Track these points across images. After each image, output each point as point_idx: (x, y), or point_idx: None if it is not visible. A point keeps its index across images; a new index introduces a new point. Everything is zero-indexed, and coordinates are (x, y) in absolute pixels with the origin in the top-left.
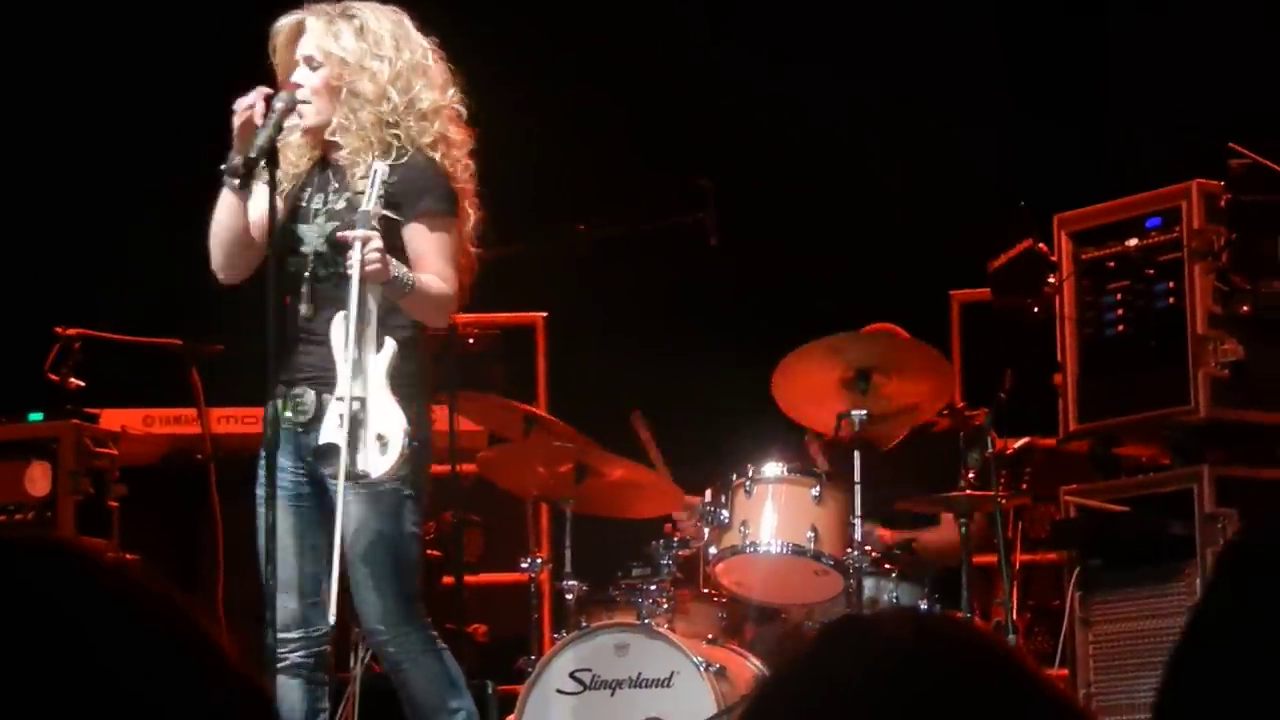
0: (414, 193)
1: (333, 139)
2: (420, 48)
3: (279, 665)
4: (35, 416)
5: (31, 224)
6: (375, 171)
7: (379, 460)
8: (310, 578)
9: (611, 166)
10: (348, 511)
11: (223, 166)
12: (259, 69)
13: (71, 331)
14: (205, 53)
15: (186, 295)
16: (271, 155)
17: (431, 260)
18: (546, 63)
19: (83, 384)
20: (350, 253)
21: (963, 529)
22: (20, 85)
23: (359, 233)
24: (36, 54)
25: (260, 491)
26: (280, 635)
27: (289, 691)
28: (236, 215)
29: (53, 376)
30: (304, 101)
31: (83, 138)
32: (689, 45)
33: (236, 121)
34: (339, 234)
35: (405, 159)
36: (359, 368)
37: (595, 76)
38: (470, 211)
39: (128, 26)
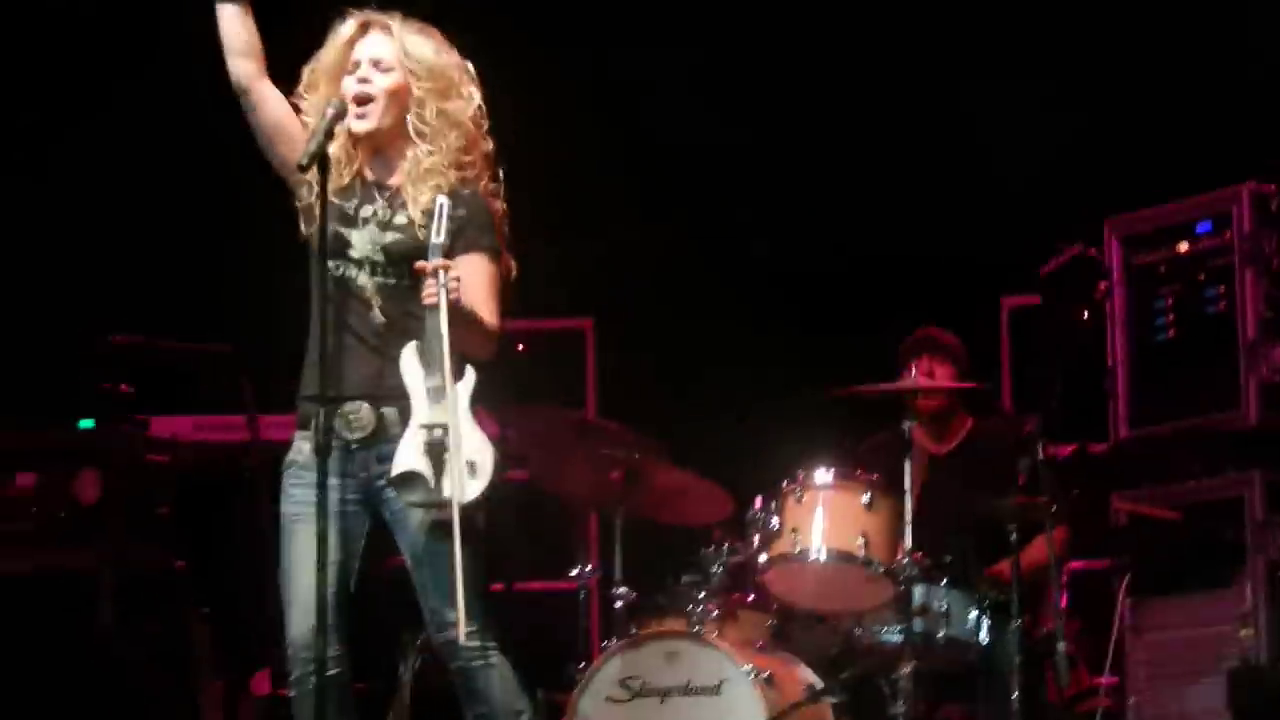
0: (471, 230)
1: (391, 149)
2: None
3: (325, 674)
4: (86, 423)
5: (83, 231)
6: (441, 204)
7: (471, 485)
8: (334, 594)
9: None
10: (422, 518)
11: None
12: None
13: (122, 339)
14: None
15: (237, 302)
16: (322, 161)
17: (481, 296)
18: (587, 69)
19: (133, 391)
20: (428, 281)
21: (1012, 536)
22: (62, 91)
23: (439, 262)
24: (86, 64)
25: (288, 508)
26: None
27: (328, 700)
28: (235, 20)
29: (103, 384)
30: (367, 99)
31: (132, 143)
32: (733, 50)
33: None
34: (417, 265)
35: (461, 193)
36: (440, 394)
37: (633, 82)
38: (509, 255)
39: (174, 31)
